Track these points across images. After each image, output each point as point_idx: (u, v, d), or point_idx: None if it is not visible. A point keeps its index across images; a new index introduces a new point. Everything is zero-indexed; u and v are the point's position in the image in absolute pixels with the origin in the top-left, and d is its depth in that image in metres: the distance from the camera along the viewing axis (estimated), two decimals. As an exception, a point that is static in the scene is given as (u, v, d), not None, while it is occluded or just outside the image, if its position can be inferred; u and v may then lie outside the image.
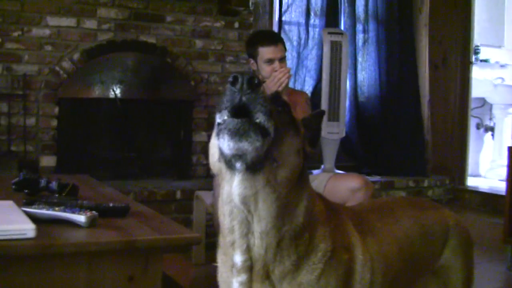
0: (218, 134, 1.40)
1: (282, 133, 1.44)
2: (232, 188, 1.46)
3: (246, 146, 1.37)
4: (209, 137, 5.42)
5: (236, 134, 1.36)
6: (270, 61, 3.90)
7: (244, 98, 1.37)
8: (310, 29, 6.09)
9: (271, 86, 3.80)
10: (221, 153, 1.43)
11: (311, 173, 4.54)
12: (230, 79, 1.39)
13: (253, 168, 1.41)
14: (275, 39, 3.97)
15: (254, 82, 1.38)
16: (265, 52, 3.91)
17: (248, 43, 4.14)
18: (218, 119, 1.41)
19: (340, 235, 1.66)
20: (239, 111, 1.38)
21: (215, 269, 1.70)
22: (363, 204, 2.44)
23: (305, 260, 1.56)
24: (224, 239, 1.59)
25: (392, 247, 1.86)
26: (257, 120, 1.37)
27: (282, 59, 3.93)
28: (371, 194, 3.76)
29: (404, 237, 1.94)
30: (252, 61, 4.01)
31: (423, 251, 2.01)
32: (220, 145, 1.41)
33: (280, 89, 3.79)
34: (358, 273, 1.67)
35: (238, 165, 1.41)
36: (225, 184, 1.50)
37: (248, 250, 1.53)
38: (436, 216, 2.13)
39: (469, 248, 2.19)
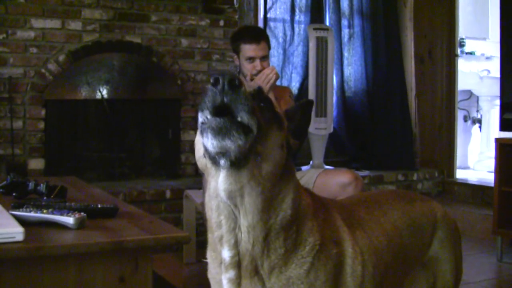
0: (202, 132, 1.41)
1: (265, 128, 1.45)
2: (217, 183, 1.47)
3: (229, 144, 1.38)
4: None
5: (219, 133, 1.37)
6: (251, 59, 3.88)
7: (225, 99, 1.38)
8: (295, 25, 6.09)
9: (259, 83, 3.80)
10: (206, 150, 1.43)
11: (300, 169, 4.54)
12: (212, 80, 1.39)
13: (237, 164, 1.42)
14: (258, 37, 3.91)
15: (235, 83, 1.38)
16: (247, 49, 3.88)
17: (232, 38, 4.10)
18: (200, 117, 1.42)
19: (328, 229, 1.66)
20: (221, 110, 1.39)
21: (205, 265, 1.70)
22: (350, 197, 2.44)
23: (293, 254, 1.56)
24: (212, 235, 1.60)
25: (381, 240, 1.86)
26: (239, 119, 1.38)
27: (264, 58, 3.90)
28: (361, 189, 3.76)
29: (392, 229, 1.94)
30: (235, 56, 4.01)
31: (412, 243, 2.02)
32: (204, 143, 1.42)
33: (268, 86, 3.80)
34: (349, 267, 1.67)
35: (222, 162, 1.42)
36: (211, 179, 1.51)
37: (235, 245, 1.53)
38: (424, 208, 2.13)
39: (457, 239, 2.19)
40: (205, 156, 1.47)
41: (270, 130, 1.47)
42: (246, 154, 1.41)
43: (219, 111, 1.39)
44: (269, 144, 1.47)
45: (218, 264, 1.59)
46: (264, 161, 1.46)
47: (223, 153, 1.40)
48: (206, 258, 1.68)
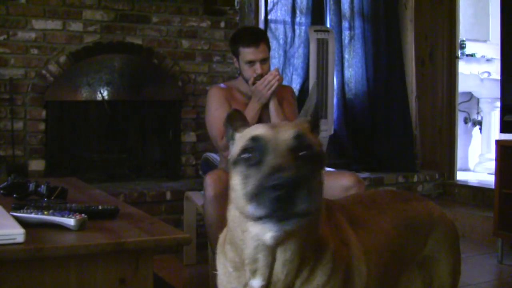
0: (257, 221, 1.37)
1: (315, 186, 1.40)
2: (264, 235, 1.44)
3: (289, 229, 1.37)
4: (197, 137, 5.41)
5: (282, 226, 1.35)
6: (251, 62, 3.83)
7: (288, 204, 1.32)
8: (296, 27, 6.09)
9: (261, 89, 3.78)
10: (257, 217, 1.38)
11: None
12: (272, 186, 1.31)
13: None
14: (257, 40, 3.85)
15: (296, 187, 1.32)
16: (246, 53, 3.83)
17: (231, 41, 4.04)
18: (257, 213, 1.36)
19: (337, 231, 1.67)
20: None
21: (206, 266, 1.68)
22: (347, 197, 2.43)
23: (318, 262, 1.56)
24: (235, 256, 1.58)
25: (381, 238, 1.86)
26: (301, 210, 1.34)
27: (264, 60, 3.85)
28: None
29: (390, 228, 1.94)
30: (235, 59, 3.96)
31: (408, 242, 2.02)
32: (257, 230, 1.39)
33: (269, 92, 3.78)
34: (356, 267, 1.67)
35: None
36: (251, 224, 1.45)
37: (270, 275, 1.52)
38: (420, 207, 2.13)
39: (454, 240, 2.19)
40: (248, 216, 1.41)
41: (318, 183, 1.44)
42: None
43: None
44: (319, 195, 1.43)
45: (241, 284, 1.57)
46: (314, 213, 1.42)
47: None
48: (216, 270, 1.66)
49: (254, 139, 1.46)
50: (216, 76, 5.42)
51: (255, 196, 1.35)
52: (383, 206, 2.02)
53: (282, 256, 1.49)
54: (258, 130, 1.51)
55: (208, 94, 4.03)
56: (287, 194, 1.31)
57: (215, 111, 3.88)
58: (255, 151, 1.44)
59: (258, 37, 3.91)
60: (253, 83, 3.82)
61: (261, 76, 3.81)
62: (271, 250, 1.49)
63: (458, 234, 2.24)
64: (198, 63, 5.39)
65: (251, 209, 1.36)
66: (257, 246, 1.49)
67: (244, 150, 1.46)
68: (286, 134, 1.46)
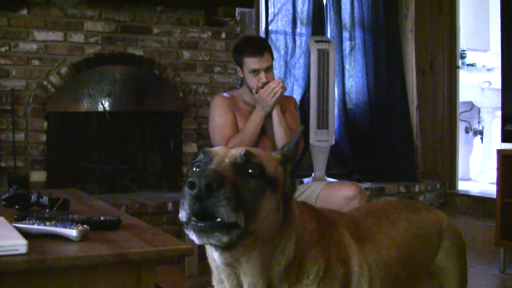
0: (186, 228, 1.38)
1: (256, 206, 1.39)
2: (213, 254, 1.47)
3: (214, 242, 1.36)
4: (199, 147, 5.39)
5: (203, 235, 1.34)
6: (256, 71, 3.85)
7: (204, 204, 1.32)
8: (297, 37, 6.10)
9: (265, 97, 3.78)
10: (183, 223, 1.40)
11: (302, 182, 4.52)
12: (188, 184, 1.32)
13: (228, 248, 1.39)
14: (261, 49, 3.88)
15: (213, 187, 1.31)
16: (251, 62, 3.85)
17: (234, 51, 4.06)
18: (182, 216, 1.37)
19: (335, 249, 1.65)
20: (202, 214, 1.34)
21: (207, 277, 1.69)
22: (358, 208, 2.43)
23: (298, 285, 1.56)
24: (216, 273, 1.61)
25: (391, 251, 1.86)
26: (223, 220, 1.32)
27: (269, 69, 3.87)
28: (365, 203, 3.74)
29: (401, 239, 1.94)
30: (239, 68, 3.97)
31: (419, 253, 2.02)
32: (190, 236, 1.37)
33: (273, 100, 3.79)
34: (355, 285, 1.66)
35: (212, 247, 1.43)
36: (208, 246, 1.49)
37: None
38: (430, 217, 2.14)
39: (462, 249, 2.20)
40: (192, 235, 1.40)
41: (262, 203, 1.41)
42: (236, 241, 1.37)
43: (199, 216, 1.34)
44: (263, 217, 1.41)
45: None
46: (259, 235, 1.42)
47: (210, 243, 1.38)
48: (212, 286, 1.67)
49: (205, 153, 1.48)
50: (217, 87, 5.42)
51: (181, 199, 1.36)
52: (394, 217, 2.02)
53: (245, 279, 1.50)
54: (215, 147, 1.52)
55: (212, 103, 4.04)
56: (200, 193, 1.30)
57: (219, 118, 3.91)
58: (203, 164, 1.46)
59: (262, 47, 3.94)
60: (256, 92, 3.83)
61: (264, 84, 3.82)
62: (232, 272, 1.51)
63: (465, 244, 2.25)
64: (199, 74, 5.40)
65: (180, 213, 1.37)
66: (216, 267, 1.54)
67: (194, 163, 1.49)
68: (237, 150, 1.46)
